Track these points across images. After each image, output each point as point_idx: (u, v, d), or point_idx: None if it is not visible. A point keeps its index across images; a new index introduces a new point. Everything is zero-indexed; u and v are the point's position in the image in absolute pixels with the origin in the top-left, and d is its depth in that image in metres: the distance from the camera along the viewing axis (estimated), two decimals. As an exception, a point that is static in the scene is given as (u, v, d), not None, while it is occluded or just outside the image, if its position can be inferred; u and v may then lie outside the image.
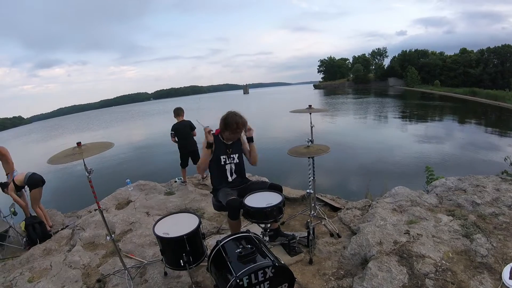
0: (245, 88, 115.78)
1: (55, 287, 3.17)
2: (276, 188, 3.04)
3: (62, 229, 4.82)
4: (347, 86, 77.69)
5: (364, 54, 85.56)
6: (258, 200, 2.81)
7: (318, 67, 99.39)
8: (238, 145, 3.28)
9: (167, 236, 2.51)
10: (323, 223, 3.59)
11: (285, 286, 2.19)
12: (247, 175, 3.51)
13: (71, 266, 3.51)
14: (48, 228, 4.87)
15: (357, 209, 3.87)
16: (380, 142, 15.10)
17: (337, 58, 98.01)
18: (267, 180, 3.62)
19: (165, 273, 3.04)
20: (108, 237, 2.81)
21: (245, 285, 2.02)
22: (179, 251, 2.51)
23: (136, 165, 14.32)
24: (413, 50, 66.94)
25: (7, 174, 4.87)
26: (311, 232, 3.07)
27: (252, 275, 2.02)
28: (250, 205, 2.71)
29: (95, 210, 5.20)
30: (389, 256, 2.54)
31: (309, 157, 3.16)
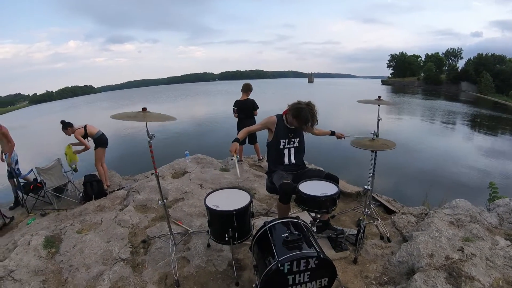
0: (310, 77, 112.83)
1: (102, 240, 3.34)
2: (333, 179, 2.95)
3: (118, 189, 5.20)
4: (417, 86, 70.98)
5: (438, 53, 77.36)
6: (313, 187, 2.72)
7: (388, 62, 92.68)
8: (300, 129, 3.18)
9: (217, 208, 2.54)
10: (375, 223, 3.45)
11: (325, 280, 2.15)
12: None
13: (120, 224, 3.74)
14: (106, 188, 5.26)
15: (413, 215, 3.64)
16: (444, 149, 13.75)
17: (408, 54, 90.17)
18: (323, 169, 3.51)
19: (208, 245, 3.16)
20: (160, 202, 2.89)
21: (285, 271, 2.00)
22: (226, 225, 2.52)
23: (196, 140, 15.01)
24: (489, 54, 58.83)
25: (5, 154, 4.85)
26: (361, 231, 2.96)
27: (295, 263, 2.00)
28: (304, 191, 2.65)
29: (152, 174, 5.51)
30: (438, 271, 2.37)
31: (372, 151, 2.99)
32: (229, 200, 2.66)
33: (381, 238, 3.25)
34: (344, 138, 3.62)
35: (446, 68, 74.24)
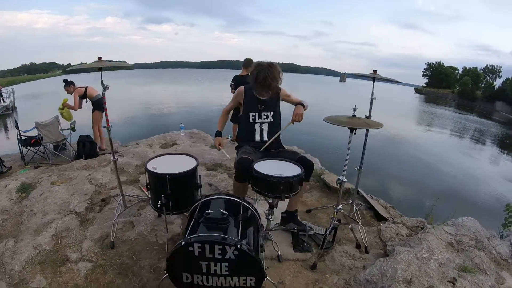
0: (342, 76, 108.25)
1: (67, 193, 3.22)
2: (305, 164, 2.25)
3: (108, 153, 4.95)
4: (450, 99, 64.93)
5: (476, 67, 69.76)
6: (270, 166, 2.12)
7: (424, 70, 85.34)
8: (274, 101, 2.52)
9: (154, 170, 2.11)
10: (350, 226, 2.58)
11: (251, 280, 1.61)
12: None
13: (90, 181, 3.57)
14: (102, 149, 5.09)
15: (406, 226, 2.79)
16: (467, 165, 12.24)
17: (445, 65, 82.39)
18: (302, 153, 2.83)
19: (159, 215, 2.69)
20: (117, 157, 2.77)
21: (196, 253, 1.54)
22: (160, 191, 2.08)
23: (205, 118, 14.56)
24: None
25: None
26: (327, 232, 2.26)
27: (206, 246, 1.52)
28: (257, 168, 2.07)
29: (137, 144, 5.40)
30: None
31: (350, 129, 2.12)
32: (173, 165, 2.20)
33: (357, 246, 2.48)
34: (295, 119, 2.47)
35: (483, 84, 66.48)
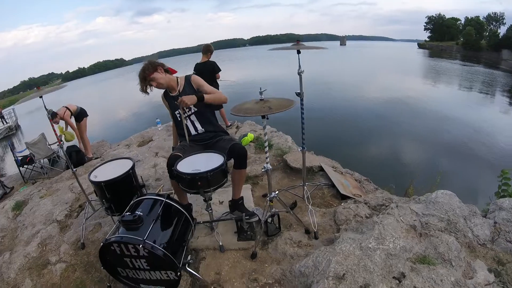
0: (342, 40, 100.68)
1: (51, 204, 3.32)
2: (235, 153, 2.13)
3: (96, 158, 5.05)
4: (455, 51, 59.23)
5: (478, 16, 62.99)
6: (193, 162, 2.05)
7: (425, 24, 77.98)
8: (190, 91, 2.34)
9: (94, 179, 2.27)
10: (286, 211, 2.31)
11: (171, 274, 1.69)
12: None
13: (72, 190, 3.62)
14: (89, 156, 5.09)
15: (367, 205, 2.44)
16: (472, 122, 10.89)
17: (447, 16, 74.94)
18: (236, 140, 2.69)
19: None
20: (73, 170, 2.90)
21: (118, 252, 1.66)
22: (102, 197, 2.28)
23: None
24: None
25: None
26: (261, 218, 2.16)
27: (122, 245, 1.63)
28: (179, 166, 2.02)
29: (118, 145, 5.44)
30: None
31: (263, 117, 1.89)
32: (111, 171, 2.34)
33: (307, 231, 2.23)
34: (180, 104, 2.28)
35: (487, 33, 60.60)
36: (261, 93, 1.92)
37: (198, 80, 2.38)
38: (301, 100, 2.29)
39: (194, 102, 2.20)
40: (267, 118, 1.88)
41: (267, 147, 2.05)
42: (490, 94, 17.86)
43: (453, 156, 7.46)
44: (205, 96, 2.25)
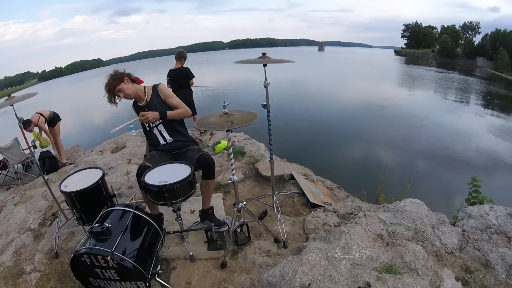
0: (321, 45, 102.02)
1: (25, 212, 3.24)
2: (203, 164, 2.15)
3: (69, 164, 4.92)
4: (431, 58, 61.32)
5: (454, 25, 66.59)
6: (161, 173, 2.06)
7: (402, 31, 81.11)
8: (157, 101, 2.36)
9: (65, 189, 2.24)
10: (255, 220, 2.37)
11: (141, 284, 1.72)
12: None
13: (45, 197, 3.51)
14: (63, 162, 4.98)
15: (336, 214, 2.49)
16: (447, 126, 11.21)
17: (423, 25, 78.30)
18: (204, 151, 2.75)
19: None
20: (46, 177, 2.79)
21: (88, 262, 1.67)
22: (72, 207, 2.26)
23: None
24: (507, 30, 48.46)
25: None
26: (229, 226, 2.21)
27: (92, 257, 1.65)
28: (146, 177, 2.02)
29: (91, 151, 5.31)
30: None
31: (227, 131, 1.95)
32: (81, 181, 2.31)
33: (276, 240, 2.26)
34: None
35: (463, 42, 63.94)
36: (224, 107, 1.94)
37: (165, 90, 2.38)
38: (268, 112, 2.32)
39: (156, 119, 2.24)
40: (231, 131, 1.95)
41: (232, 160, 2.08)
42: (464, 101, 18.49)
43: (427, 162, 7.57)
44: (169, 113, 2.27)
